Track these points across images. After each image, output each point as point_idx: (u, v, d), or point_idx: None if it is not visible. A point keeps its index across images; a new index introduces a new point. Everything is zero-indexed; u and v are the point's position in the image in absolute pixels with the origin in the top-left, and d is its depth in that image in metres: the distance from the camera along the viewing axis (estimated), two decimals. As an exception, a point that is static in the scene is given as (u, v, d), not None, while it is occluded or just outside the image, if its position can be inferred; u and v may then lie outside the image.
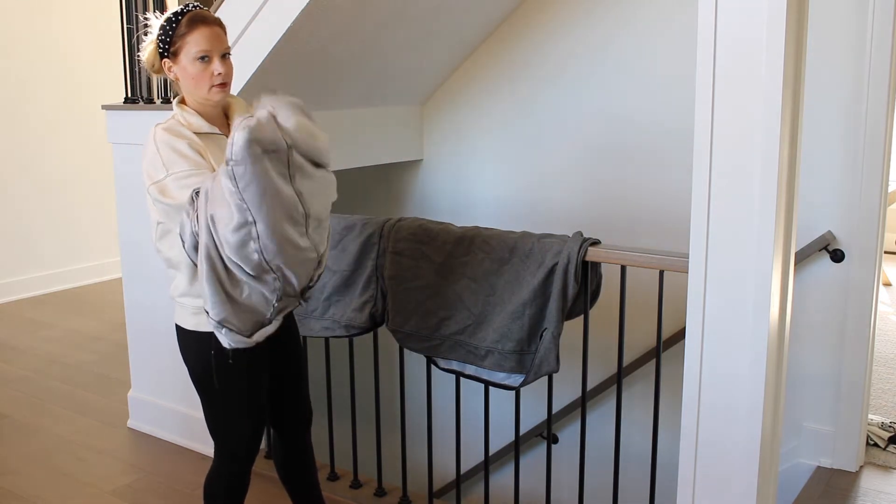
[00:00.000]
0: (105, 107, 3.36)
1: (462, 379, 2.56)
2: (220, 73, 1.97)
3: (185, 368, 2.09)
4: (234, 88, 2.88)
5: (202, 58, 1.95)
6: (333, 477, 3.03)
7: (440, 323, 2.46)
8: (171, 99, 3.18)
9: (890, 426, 3.31)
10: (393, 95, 3.72)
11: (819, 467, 3.07)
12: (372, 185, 4.08)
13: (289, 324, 2.20)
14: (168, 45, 1.96)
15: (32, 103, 5.75)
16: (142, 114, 3.24)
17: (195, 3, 2.02)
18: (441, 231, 2.51)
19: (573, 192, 3.59)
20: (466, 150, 3.87)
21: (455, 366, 2.50)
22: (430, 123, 3.94)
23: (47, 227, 5.91)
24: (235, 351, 1.85)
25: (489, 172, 3.82)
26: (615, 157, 3.47)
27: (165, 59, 1.99)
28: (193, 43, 1.94)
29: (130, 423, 3.55)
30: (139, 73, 3.31)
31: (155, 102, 3.29)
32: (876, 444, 3.22)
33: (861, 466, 3.08)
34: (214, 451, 2.19)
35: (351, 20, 2.91)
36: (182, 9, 1.98)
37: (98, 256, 6.18)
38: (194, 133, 1.97)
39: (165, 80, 3.20)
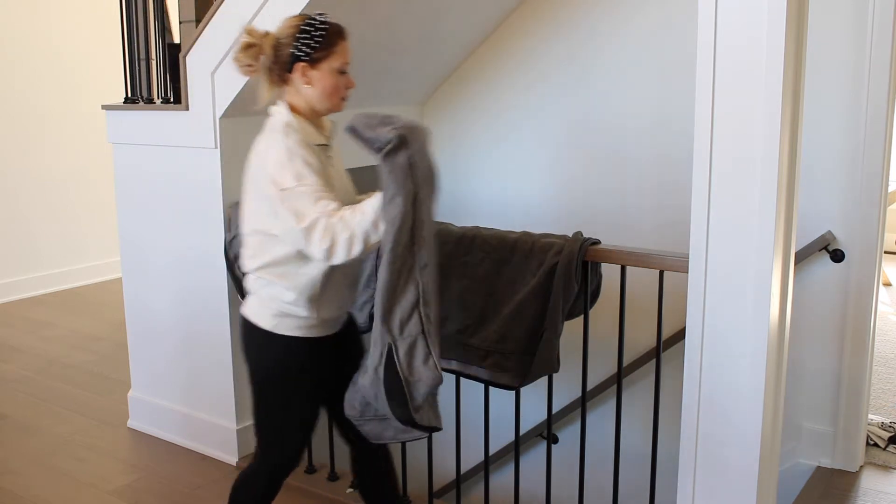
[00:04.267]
0: (105, 107, 3.36)
1: (462, 379, 2.56)
2: (350, 87, 2.02)
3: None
4: (235, 87, 2.90)
5: (342, 71, 1.99)
6: (333, 477, 3.03)
7: (440, 323, 2.46)
8: (166, 97, 3.19)
9: (890, 426, 3.31)
10: (393, 95, 3.72)
11: (819, 467, 3.07)
12: (372, 185, 4.08)
13: (352, 329, 2.22)
14: (311, 51, 1.94)
15: (32, 103, 5.75)
16: (142, 114, 3.24)
17: (325, 13, 2.01)
18: (441, 231, 2.51)
19: (573, 192, 3.59)
20: (466, 150, 3.87)
21: (455, 366, 2.50)
22: (430, 123, 3.94)
23: (47, 227, 5.91)
24: (310, 358, 2.00)
25: (489, 172, 3.82)
26: (615, 157, 3.47)
27: (302, 63, 1.95)
28: (340, 55, 1.97)
29: (130, 423, 3.55)
30: (139, 73, 3.31)
31: (155, 102, 3.29)
32: (876, 444, 3.22)
33: (861, 466, 3.08)
34: (258, 456, 2.16)
35: (350, 20, 2.90)
36: (321, 18, 1.97)
37: (98, 256, 6.18)
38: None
39: (166, 81, 3.20)
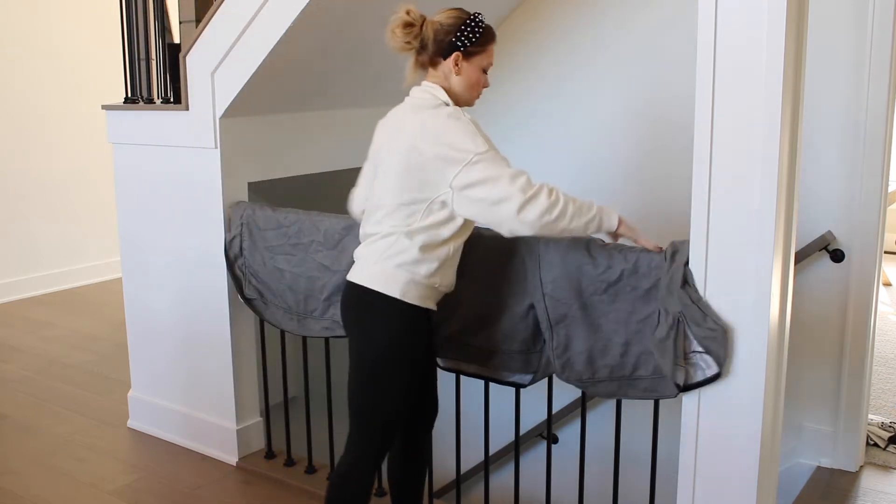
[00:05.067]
0: (105, 107, 3.36)
1: (462, 379, 2.56)
2: (487, 87, 2.17)
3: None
4: (235, 87, 2.90)
5: (485, 70, 2.13)
6: (333, 477, 3.02)
7: (440, 323, 2.46)
8: (166, 97, 3.19)
9: (890, 426, 3.31)
10: (392, 95, 3.71)
11: (819, 467, 3.07)
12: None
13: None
14: (469, 44, 2.07)
15: (32, 103, 5.75)
16: (142, 114, 3.24)
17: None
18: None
19: (573, 192, 3.59)
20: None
21: (453, 364, 2.50)
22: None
23: (47, 227, 5.91)
24: (427, 330, 2.11)
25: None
26: (615, 157, 3.47)
27: (458, 54, 2.07)
28: (490, 54, 2.12)
29: (130, 423, 3.55)
30: (139, 73, 3.31)
31: (155, 102, 3.29)
32: (876, 444, 3.22)
33: (861, 466, 3.08)
34: (356, 445, 2.14)
35: (349, 21, 2.91)
36: (480, 17, 2.10)
37: (98, 256, 6.18)
38: None
39: (166, 80, 3.20)
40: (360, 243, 2.17)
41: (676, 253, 2.08)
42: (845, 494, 2.90)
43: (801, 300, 2.94)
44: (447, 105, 2.08)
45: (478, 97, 2.16)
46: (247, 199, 3.08)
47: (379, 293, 2.05)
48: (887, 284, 5.88)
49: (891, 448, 3.21)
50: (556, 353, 2.29)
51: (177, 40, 3.47)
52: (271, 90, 2.99)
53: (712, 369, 2.00)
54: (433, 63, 2.09)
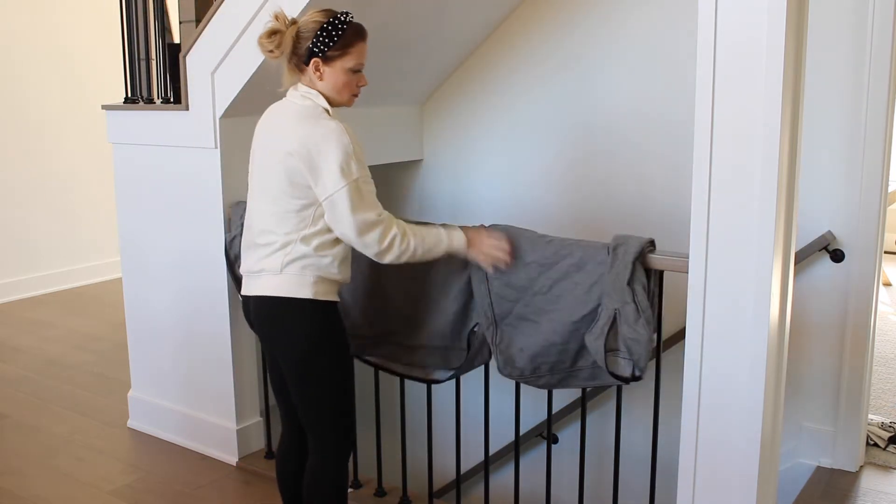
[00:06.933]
0: (105, 107, 3.36)
1: (462, 379, 2.57)
2: (362, 85, 2.12)
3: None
4: (235, 87, 2.90)
5: (355, 70, 2.08)
6: (333, 477, 3.03)
7: (367, 321, 2.58)
8: (166, 97, 3.19)
9: (890, 426, 3.31)
10: (393, 95, 3.72)
11: (819, 467, 3.07)
12: (372, 185, 4.08)
13: None
14: (326, 49, 2.04)
15: (32, 103, 5.75)
16: (142, 114, 3.24)
17: (351, 13, 2.08)
18: None
19: (573, 192, 3.59)
20: (466, 150, 3.87)
21: (379, 361, 2.62)
22: (430, 123, 3.94)
23: (47, 227, 5.91)
24: (341, 322, 2.15)
25: (489, 172, 3.82)
26: (615, 157, 3.46)
27: (317, 59, 2.05)
28: (356, 55, 2.07)
29: (130, 423, 3.55)
30: (139, 73, 3.31)
31: (155, 102, 3.29)
32: (876, 444, 3.22)
33: (861, 466, 3.08)
34: (319, 448, 2.19)
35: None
36: (343, 17, 2.05)
37: (98, 256, 6.18)
38: None
39: (166, 80, 3.20)
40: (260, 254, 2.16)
41: (619, 247, 2.12)
42: (845, 494, 2.90)
43: (801, 300, 2.94)
44: (327, 112, 2.06)
45: (354, 96, 2.13)
46: (247, 200, 3.08)
47: (291, 299, 2.08)
48: (887, 284, 5.88)
49: (891, 448, 3.21)
50: (500, 349, 2.35)
51: (177, 40, 3.47)
52: (272, 90, 2.98)
53: (627, 371, 2.11)
54: (300, 69, 2.08)
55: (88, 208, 6.09)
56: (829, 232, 2.93)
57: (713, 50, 1.91)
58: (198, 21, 3.17)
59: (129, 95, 3.33)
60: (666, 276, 2.20)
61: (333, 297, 2.15)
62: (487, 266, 2.27)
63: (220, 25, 2.89)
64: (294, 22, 2.06)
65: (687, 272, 2.05)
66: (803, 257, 2.91)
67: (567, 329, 2.21)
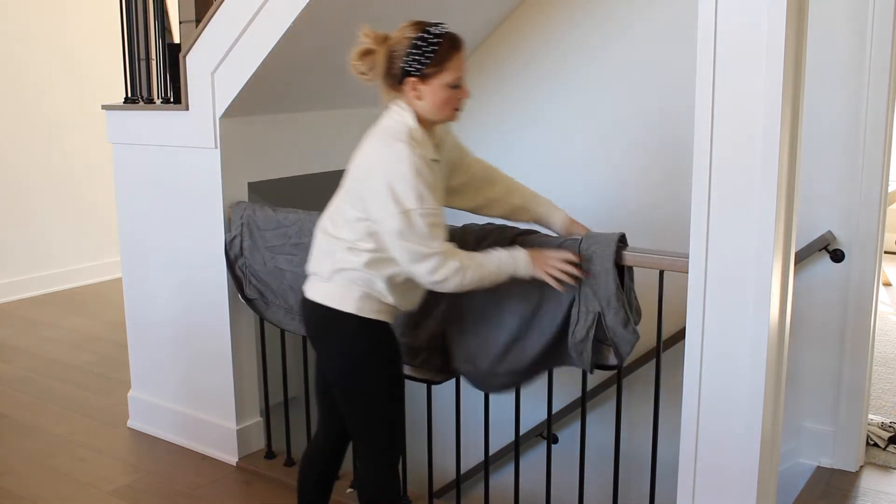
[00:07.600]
0: (105, 107, 3.36)
1: (462, 379, 2.57)
2: (464, 98, 1.99)
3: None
4: (235, 87, 2.90)
5: (454, 85, 1.95)
6: (333, 477, 3.03)
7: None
8: (166, 97, 3.19)
9: (890, 426, 3.31)
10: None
11: (819, 467, 3.07)
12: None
13: None
14: (422, 67, 1.91)
15: (33, 104, 5.75)
16: (142, 114, 3.24)
17: (443, 23, 1.95)
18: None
19: (573, 192, 3.59)
20: (469, 148, 3.86)
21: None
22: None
23: (48, 227, 5.91)
24: (388, 338, 2.08)
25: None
26: (615, 156, 3.46)
27: (412, 78, 1.93)
28: (453, 70, 1.93)
29: (130, 423, 3.55)
30: (139, 73, 3.31)
31: (155, 102, 3.29)
32: (876, 444, 3.22)
33: (861, 466, 3.08)
34: (371, 461, 2.14)
35: (350, 21, 2.90)
36: (435, 30, 1.92)
37: (98, 256, 6.18)
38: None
39: (166, 80, 3.20)
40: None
41: (592, 249, 2.17)
42: (845, 494, 2.90)
43: (801, 300, 2.94)
44: (412, 134, 1.93)
45: (457, 111, 2.01)
46: (247, 199, 3.08)
47: (337, 312, 2.03)
48: (887, 284, 5.88)
49: (891, 448, 3.20)
50: (463, 359, 2.41)
51: (177, 40, 3.47)
52: (271, 90, 2.99)
53: (613, 361, 2.19)
54: (396, 89, 1.98)
55: (88, 208, 6.09)
56: (829, 232, 2.93)
57: (713, 50, 1.91)
58: (198, 21, 3.17)
59: (129, 95, 3.33)
60: (666, 275, 2.20)
61: (384, 318, 2.07)
62: (554, 283, 2.12)
63: (220, 25, 2.89)
64: (386, 39, 1.94)
65: (687, 272, 2.05)
66: (803, 257, 2.91)
67: (537, 332, 2.27)
